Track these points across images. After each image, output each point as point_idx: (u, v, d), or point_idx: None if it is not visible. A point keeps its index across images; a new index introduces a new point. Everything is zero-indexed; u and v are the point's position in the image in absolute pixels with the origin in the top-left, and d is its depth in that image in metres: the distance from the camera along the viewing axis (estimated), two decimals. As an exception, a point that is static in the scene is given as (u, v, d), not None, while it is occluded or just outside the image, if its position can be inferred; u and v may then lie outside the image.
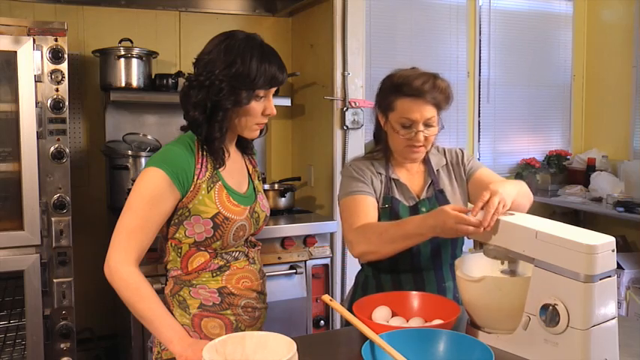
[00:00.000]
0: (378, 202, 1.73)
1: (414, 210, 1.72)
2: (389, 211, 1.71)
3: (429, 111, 1.65)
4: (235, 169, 1.59)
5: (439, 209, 1.49)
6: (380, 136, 1.81)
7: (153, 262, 2.25)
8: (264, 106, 1.51)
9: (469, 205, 1.83)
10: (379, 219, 1.70)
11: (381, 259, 1.65)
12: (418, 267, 1.72)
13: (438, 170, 1.80)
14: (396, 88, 1.67)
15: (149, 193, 1.43)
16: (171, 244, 1.53)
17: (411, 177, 1.79)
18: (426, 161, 1.81)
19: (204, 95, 1.45)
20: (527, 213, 1.50)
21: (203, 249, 1.52)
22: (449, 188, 1.78)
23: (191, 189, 1.47)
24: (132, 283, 1.40)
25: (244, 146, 1.66)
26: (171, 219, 1.49)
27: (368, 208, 1.68)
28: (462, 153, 1.85)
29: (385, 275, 1.74)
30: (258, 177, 1.70)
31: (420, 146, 1.70)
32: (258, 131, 1.57)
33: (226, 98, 1.45)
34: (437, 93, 1.64)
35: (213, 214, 1.48)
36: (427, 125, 1.67)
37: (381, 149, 1.80)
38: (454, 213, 1.44)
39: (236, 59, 1.44)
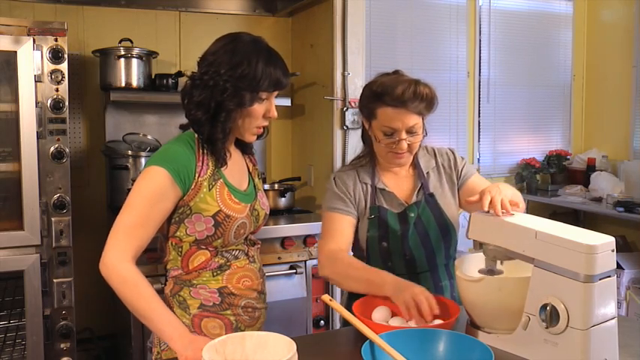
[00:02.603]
0: (365, 212, 1.72)
1: (403, 216, 1.71)
2: (377, 220, 1.70)
3: (412, 119, 1.61)
4: (235, 167, 1.59)
5: (413, 285, 1.49)
6: (366, 138, 1.80)
7: (153, 262, 2.25)
8: (266, 109, 1.52)
9: (460, 210, 1.82)
10: (367, 230, 1.70)
11: (372, 261, 1.69)
12: (413, 271, 1.71)
13: (427, 172, 1.77)
14: (377, 97, 1.63)
15: (150, 191, 1.43)
16: (171, 242, 1.53)
17: (399, 182, 1.76)
18: (415, 164, 1.79)
19: (207, 95, 1.46)
20: (527, 213, 1.50)
21: (204, 247, 1.52)
22: (439, 191, 1.76)
23: (192, 187, 1.47)
24: (130, 280, 1.39)
25: (243, 145, 1.67)
26: (172, 217, 1.49)
27: (343, 228, 1.69)
28: (454, 155, 1.82)
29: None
30: (258, 175, 1.71)
31: (403, 153, 1.67)
32: (257, 135, 1.57)
33: (230, 99, 1.45)
34: (418, 101, 1.59)
35: (215, 212, 1.48)
36: (410, 133, 1.64)
37: (366, 154, 1.79)
38: (420, 297, 1.43)
39: (242, 60, 1.45)
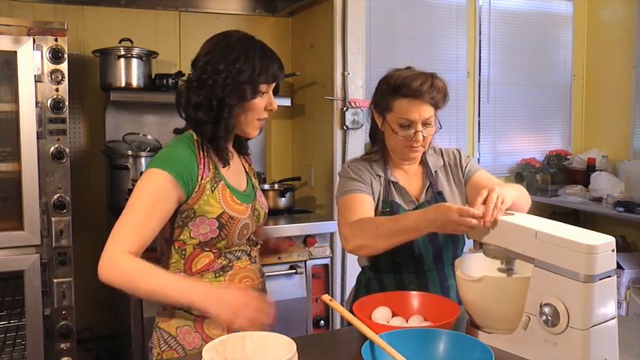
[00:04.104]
0: (377, 205, 1.73)
1: None
2: (389, 215, 1.70)
3: (427, 111, 1.65)
4: (234, 168, 1.59)
5: (440, 204, 1.50)
6: (377, 136, 1.81)
7: (155, 262, 2.25)
8: (267, 102, 1.53)
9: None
10: None
11: (380, 256, 1.66)
12: (421, 269, 1.72)
13: (436, 171, 1.80)
14: (394, 89, 1.66)
15: (151, 193, 1.42)
16: (174, 246, 1.52)
17: (409, 179, 1.78)
18: (423, 163, 1.81)
19: (208, 94, 1.46)
20: (527, 213, 1.50)
21: (207, 249, 1.51)
22: (447, 189, 1.78)
23: (196, 190, 1.47)
24: (130, 269, 1.35)
25: (240, 145, 1.67)
26: (175, 221, 1.49)
27: (364, 205, 1.68)
28: (460, 154, 1.84)
29: (388, 276, 1.74)
30: (254, 175, 1.71)
31: (419, 146, 1.70)
32: (259, 129, 1.58)
33: (231, 94, 1.46)
34: (435, 93, 1.64)
35: (219, 214, 1.48)
36: (425, 125, 1.67)
37: (377, 150, 1.80)
38: (457, 206, 1.43)
39: (240, 55, 1.46)
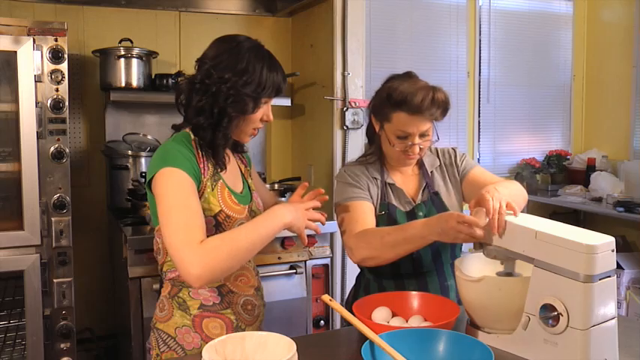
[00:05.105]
0: (375, 208, 1.72)
1: (411, 215, 1.72)
2: (386, 217, 1.71)
3: (426, 124, 1.64)
4: (231, 169, 1.60)
5: (443, 213, 1.50)
6: (373, 137, 1.81)
7: (155, 262, 2.25)
8: (264, 113, 1.54)
9: (464, 205, 1.83)
10: (377, 225, 1.70)
11: (382, 265, 1.65)
12: (420, 271, 1.72)
13: (432, 172, 1.79)
14: (395, 104, 1.63)
15: (177, 187, 1.39)
16: (170, 244, 1.52)
17: (405, 180, 1.78)
18: (420, 164, 1.80)
19: (209, 101, 1.46)
20: (527, 213, 1.50)
21: (203, 248, 1.51)
22: (444, 190, 1.78)
23: (200, 187, 1.47)
24: (216, 246, 1.33)
25: (235, 144, 1.66)
26: None
27: (366, 213, 1.68)
28: (455, 152, 1.84)
29: (387, 279, 1.74)
30: (250, 175, 1.71)
31: (415, 155, 1.69)
32: (251, 136, 1.59)
33: (232, 106, 1.46)
34: (434, 109, 1.61)
35: (216, 212, 1.48)
36: (422, 136, 1.66)
37: (374, 152, 1.80)
38: (456, 213, 1.44)
39: (248, 67, 1.46)
